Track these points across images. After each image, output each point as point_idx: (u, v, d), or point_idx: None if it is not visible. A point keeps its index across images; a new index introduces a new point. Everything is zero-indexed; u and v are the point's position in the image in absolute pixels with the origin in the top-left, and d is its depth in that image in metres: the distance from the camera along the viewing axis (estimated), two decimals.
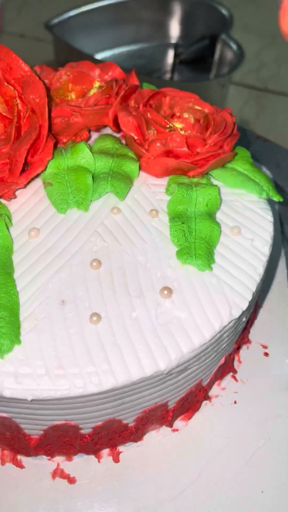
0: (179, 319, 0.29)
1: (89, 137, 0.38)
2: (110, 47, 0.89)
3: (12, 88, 0.34)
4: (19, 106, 0.33)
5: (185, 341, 0.28)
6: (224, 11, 0.87)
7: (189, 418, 0.35)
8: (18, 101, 0.33)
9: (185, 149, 0.35)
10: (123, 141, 0.38)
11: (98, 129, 0.39)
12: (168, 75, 0.86)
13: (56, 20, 0.82)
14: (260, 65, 0.89)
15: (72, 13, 0.83)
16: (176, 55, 0.88)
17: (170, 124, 0.36)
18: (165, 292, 0.29)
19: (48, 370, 0.26)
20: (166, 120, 0.36)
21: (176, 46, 0.90)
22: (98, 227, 0.33)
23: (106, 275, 0.30)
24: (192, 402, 0.34)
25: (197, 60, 0.87)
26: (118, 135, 0.39)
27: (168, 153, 0.35)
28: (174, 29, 0.91)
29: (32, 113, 0.33)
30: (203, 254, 0.31)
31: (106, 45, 0.88)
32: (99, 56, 0.86)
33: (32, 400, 0.26)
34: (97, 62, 0.78)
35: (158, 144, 0.35)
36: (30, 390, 0.26)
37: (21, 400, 0.26)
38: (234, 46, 0.83)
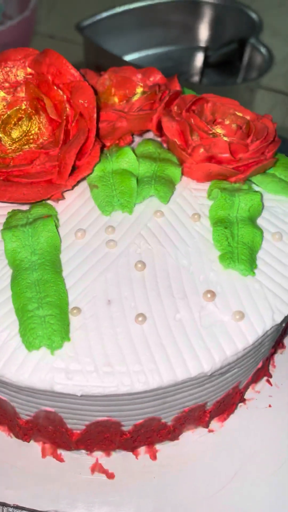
0: (222, 322, 0.29)
1: (132, 141, 0.39)
2: (139, 49, 0.89)
3: (61, 93, 0.35)
4: (68, 110, 0.34)
5: (228, 344, 0.29)
6: (253, 16, 0.87)
7: (225, 419, 0.35)
8: (67, 105, 0.34)
9: (228, 155, 0.36)
10: (165, 146, 0.39)
11: (140, 134, 0.39)
12: (195, 78, 0.87)
13: (87, 22, 0.83)
14: None
15: (103, 15, 0.84)
16: (204, 58, 0.89)
17: (213, 130, 0.37)
18: (209, 295, 0.30)
19: (97, 367, 0.27)
20: (209, 126, 0.37)
21: (204, 49, 0.90)
22: (142, 230, 0.33)
23: (150, 276, 0.31)
24: (228, 404, 0.34)
25: (225, 64, 0.88)
26: (159, 139, 0.40)
27: (211, 159, 0.36)
28: (203, 32, 0.91)
29: (80, 117, 0.34)
30: (246, 259, 0.32)
31: (135, 47, 0.89)
32: (127, 57, 0.87)
33: (81, 396, 0.27)
34: (125, 63, 0.79)
35: (201, 150, 0.36)
36: (80, 386, 0.27)
37: (69, 395, 0.27)
38: (263, 50, 0.83)
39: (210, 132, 0.37)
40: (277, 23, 0.95)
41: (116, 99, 0.40)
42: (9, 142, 0.35)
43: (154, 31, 0.89)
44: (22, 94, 0.36)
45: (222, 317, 0.30)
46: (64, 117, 0.34)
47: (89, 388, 0.27)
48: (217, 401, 0.33)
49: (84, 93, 0.34)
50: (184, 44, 0.91)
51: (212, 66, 0.87)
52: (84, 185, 0.36)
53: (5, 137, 0.35)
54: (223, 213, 0.34)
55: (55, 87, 0.35)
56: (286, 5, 1.02)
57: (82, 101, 0.34)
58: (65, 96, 0.35)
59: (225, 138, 0.37)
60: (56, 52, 0.35)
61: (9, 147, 0.35)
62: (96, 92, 0.36)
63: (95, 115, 0.34)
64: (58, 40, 0.95)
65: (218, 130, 0.38)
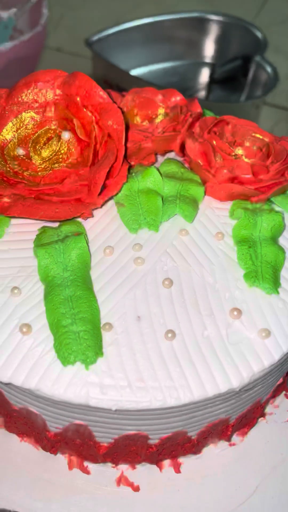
0: (249, 339, 0.31)
1: (156, 161, 0.40)
2: (145, 64, 0.91)
3: (90, 114, 0.36)
4: (96, 131, 0.36)
5: (255, 361, 0.30)
6: (258, 34, 0.89)
7: (245, 433, 0.36)
8: (95, 126, 0.36)
9: (250, 176, 0.37)
10: (186, 165, 0.40)
11: (163, 154, 0.41)
12: (201, 93, 0.89)
13: (96, 37, 0.85)
14: None
15: (111, 30, 0.86)
16: (210, 74, 0.91)
17: (235, 152, 0.38)
18: (235, 313, 0.31)
19: (130, 383, 0.28)
20: (231, 148, 0.38)
21: (210, 65, 0.92)
22: (168, 248, 0.35)
23: (178, 293, 0.32)
24: (250, 418, 0.35)
25: (230, 80, 0.90)
26: (181, 159, 0.41)
27: (233, 179, 0.37)
28: (208, 49, 0.93)
29: (109, 138, 0.35)
30: (269, 278, 0.33)
31: (141, 61, 0.91)
32: (134, 72, 0.89)
33: (115, 410, 0.28)
34: (132, 78, 0.80)
35: (225, 171, 0.37)
36: (114, 400, 0.28)
37: (103, 410, 0.28)
38: (268, 68, 0.85)
39: (232, 154, 0.38)
40: (280, 40, 0.98)
41: (138, 119, 0.41)
42: (39, 161, 0.36)
43: (160, 47, 0.91)
44: (51, 114, 0.37)
45: (248, 334, 0.31)
46: (93, 138, 0.35)
47: (123, 403, 0.28)
48: (239, 416, 0.34)
49: (113, 115, 0.35)
50: (190, 59, 0.93)
51: (217, 82, 0.89)
52: (110, 202, 0.37)
53: (36, 156, 0.36)
54: (246, 232, 0.35)
55: (84, 109, 0.36)
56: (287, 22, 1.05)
57: (111, 123, 0.35)
58: (93, 118, 0.36)
59: (246, 160, 0.38)
60: (85, 74, 0.36)
61: (40, 166, 0.36)
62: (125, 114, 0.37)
63: (123, 137, 0.35)
64: (66, 53, 0.97)
65: (239, 151, 0.39)
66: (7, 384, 0.29)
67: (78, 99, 0.36)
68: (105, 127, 0.35)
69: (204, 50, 0.93)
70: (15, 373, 0.28)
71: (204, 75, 0.91)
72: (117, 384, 0.28)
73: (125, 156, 0.36)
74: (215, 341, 0.30)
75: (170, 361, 0.29)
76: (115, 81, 0.81)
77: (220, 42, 0.92)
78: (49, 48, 0.97)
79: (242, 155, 0.39)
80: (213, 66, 0.91)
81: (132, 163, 0.38)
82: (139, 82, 0.78)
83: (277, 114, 0.88)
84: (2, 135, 0.36)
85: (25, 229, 0.35)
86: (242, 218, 0.35)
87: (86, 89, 0.36)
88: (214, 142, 0.38)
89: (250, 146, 0.39)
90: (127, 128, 0.37)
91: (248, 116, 0.82)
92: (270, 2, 1.11)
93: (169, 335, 0.30)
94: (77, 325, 0.29)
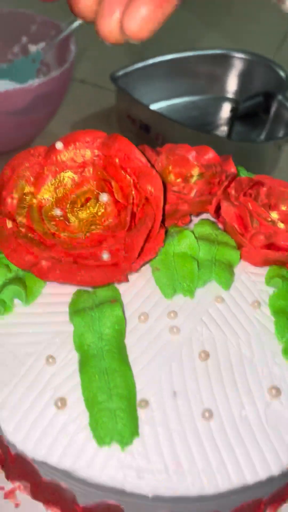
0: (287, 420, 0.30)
1: (190, 221, 0.40)
2: (167, 97, 0.92)
3: (128, 177, 0.36)
4: (134, 193, 0.36)
5: None
6: (281, 73, 0.90)
7: (276, 508, 0.35)
8: (133, 189, 0.36)
9: (287, 242, 0.37)
10: (220, 226, 0.40)
11: (197, 214, 0.41)
12: (221, 128, 0.89)
13: (120, 72, 0.86)
14: None
15: (136, 66, 0.88)
16: (231, 110, 0.91)
17: (271, 216, 0.38)
18: (273, 392, 0.30)
19: (167, 467, 0.27)
20: (267, 213, 0.38)
21: (231, 101, 0.93)
22: (203, 316, 0.34)
23: (214, 367, 0.31)
24: (282, 494, 0.34)
25: (251, 116, 0.90)
26: (214, 219, 0.41)
27: (270, 246, 0.37)
28: (230, 84, 0.94)
29: (147, 202, 0.35)
30: None
31: (163, 95, 0.92)
32: (155, 106, 0.90)
33: (151, 497, 0.27)
34: (155, 113, 0.81)
35: (261, 237, 0.37)
36: (151, 486, 0.27)
37: (138, 494, 0.27)
38: None
39: (269, 219, 0.38)
40: None
41: (172, 177, 0.41)
42: (76, 223, 0.36)
43: (182, 81, 0.92)
44: (89, 175, 0.37)
45: (287, 416, 0.30)
46: (131, 201, 0.35)
47: (160, 490, 0.27)
48: (272, 494, 0.33)
49: (152, 179, 0.35)
50: (211, 94, 0.94)
51: (238, 118, 0.90)
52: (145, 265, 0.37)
53: (73, 218, 0.36)
54: (284, 303, 0.34)
55: (122, 171, 0.36)
56: None
57: (149, 187, 0.35)
58: (132, 180, 0.36)
59: (281, 225, 0.38)
60: (125, 138, 0.37)
61: (77, 228, 0.36)
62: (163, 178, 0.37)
63: (161, 203, 0.35)
64: (89, 85, 0.98)
65: (274, 215, 0.39)
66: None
67: (117, 160, 0.36)
68: (143, 190, 0.35)
69: (225, 85, 0.94)
70: (49, 452, 0.28)
71: (225, 110, 0.92)
72: (154, 468, 0.27)
73: (162, 220, 0.36)
74: (253, 423, 0.29)
75: (208, 443, 0.28)
76: (138, 116, 0.82)
77: (242, 79, 0.93)
78: (73, 79, 0.98)
79: (277, 219, 0.38)
80: (234, 102, 0.91)
81: (167, 224, 0.38)
82: (162, 118, 0.79)
83: None
84: (40, 195, 0.37)
85: (59, 291, 0.35)
86: (280, 288, 0.35)
87: (126, 152, 0.36)
88: (250, 206, 0.38)
89: (286, 211, 0.39)
90: (164, 190, 0.37)
91: (269, 155, 0.82)
92: None
93: (207, 414, 0.29)
94: (113, 401, 0.29)
